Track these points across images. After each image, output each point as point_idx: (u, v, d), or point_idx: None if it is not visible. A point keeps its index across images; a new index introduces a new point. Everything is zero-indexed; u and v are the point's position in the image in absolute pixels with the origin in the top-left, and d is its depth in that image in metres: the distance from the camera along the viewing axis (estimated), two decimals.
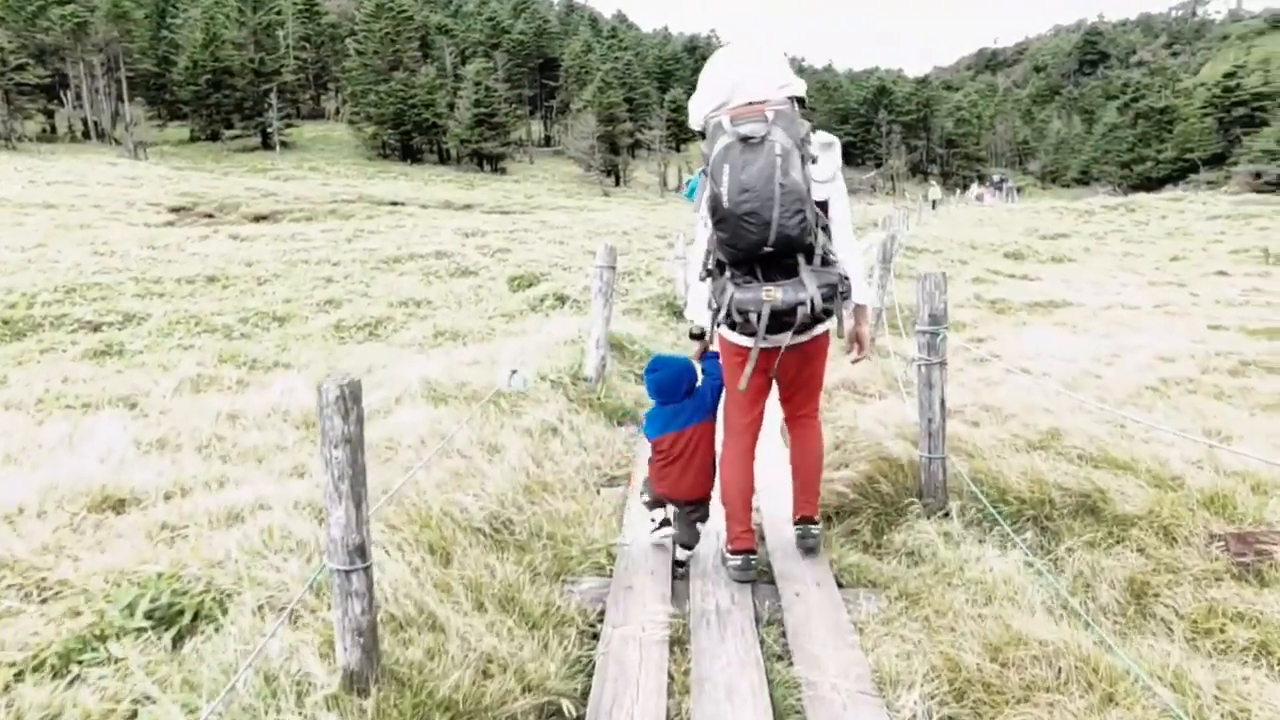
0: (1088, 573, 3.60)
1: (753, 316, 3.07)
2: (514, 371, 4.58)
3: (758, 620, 3.28)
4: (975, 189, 56.31)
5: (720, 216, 2.96)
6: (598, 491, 4.63)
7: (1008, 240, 20.49)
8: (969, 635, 2.98)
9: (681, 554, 3.78)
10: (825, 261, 3.13)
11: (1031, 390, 6.24)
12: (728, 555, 3.67)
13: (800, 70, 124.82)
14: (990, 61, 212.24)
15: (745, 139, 2.91)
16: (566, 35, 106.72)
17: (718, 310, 3.24)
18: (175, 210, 28.67)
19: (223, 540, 3.20)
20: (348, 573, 2.38)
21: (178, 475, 4.11)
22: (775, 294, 3.04)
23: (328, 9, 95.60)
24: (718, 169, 2.94)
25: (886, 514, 4.18)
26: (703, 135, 3.12)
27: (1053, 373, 7.01)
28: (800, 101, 3.12)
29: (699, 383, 3.78)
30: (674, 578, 3.64)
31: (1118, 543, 3.78)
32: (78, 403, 5.45)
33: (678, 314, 9.59)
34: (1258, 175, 44.50)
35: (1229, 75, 71.82)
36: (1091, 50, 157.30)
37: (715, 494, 3.74)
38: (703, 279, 3.35)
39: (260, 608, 2.77)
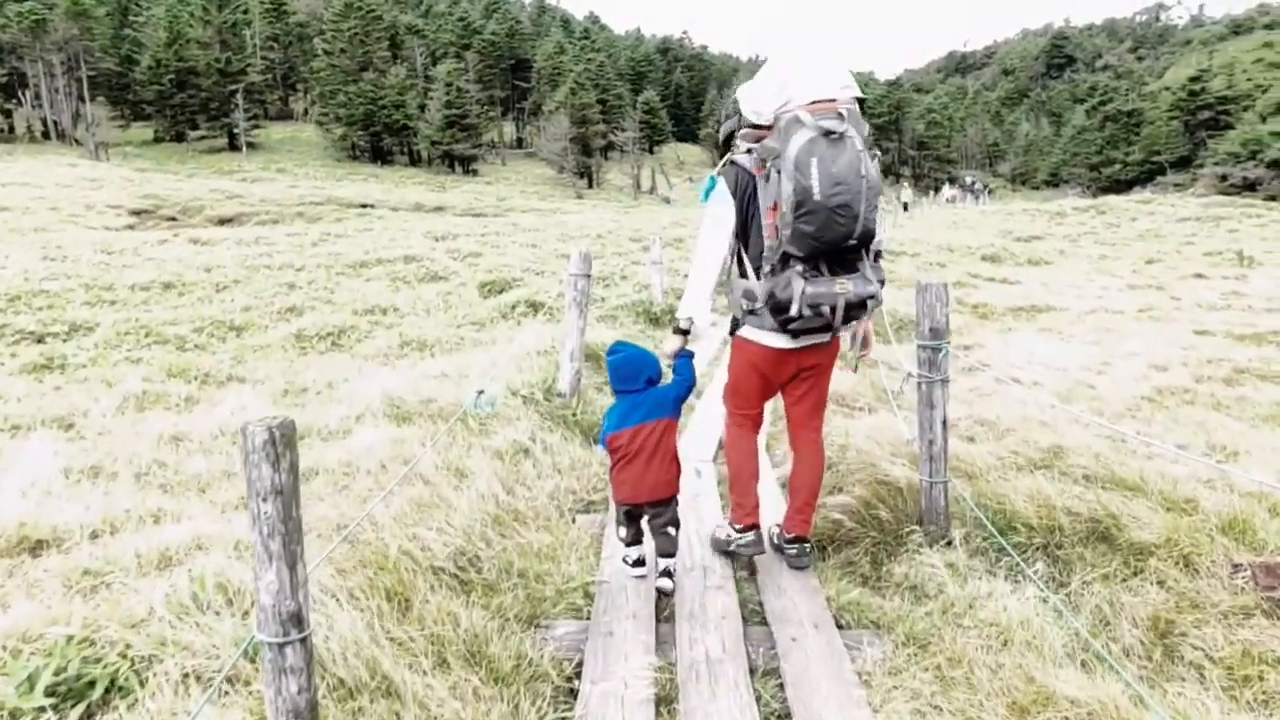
0: (1107, 610, 3.32)
1: (825, 309, 3.12)
2: (480, 391, 4.23)
3: (752, 671, 2.96)
4: (947, 191, 56.63)
5: (809, 209, 2.97)
6: (573, 519, 4.29)
7: (983, 243, 20.40)
8: (990, 693, 2.67)
9: (665, 583, 3.46)
10: (877, 256, 3.28)
11: (1026, 403, 5.99)
12: (734, 534, 3.68)
13: None
14: (960, 64, 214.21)
15: (828, 133, 2.95)
16: (538, 36, 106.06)
17: (756, 307, 3.30)
18: (136, 213, 27.86)
19: (150, 591, 2.82)
20: (281, 646, 2.03)
21: (108, 509, 3.72)
22: (849, 286, 3.11)
23: (296, 8, 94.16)
24: (803, 162, 2.95)
25: (886, 543, 3.88)
26: (757, 128, 3.27)
27: (1045, 382, 6.77)
28: (860, 102, 3.20)
29: (663, 380, 3.57)
30: (658, 619, 3.32)
31: (1135, 574, 3.51)
32: (6, 425, 5.01)
33: (654, 321, 9.27)
34: (1224, 178, 45.01)
35: (1194, 79, 72.73)
36: (1059, 54, 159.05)
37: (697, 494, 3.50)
38: (767, 274, 3.23)
39: (185, 678, 2.40)
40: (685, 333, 3.51)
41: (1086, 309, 10.59)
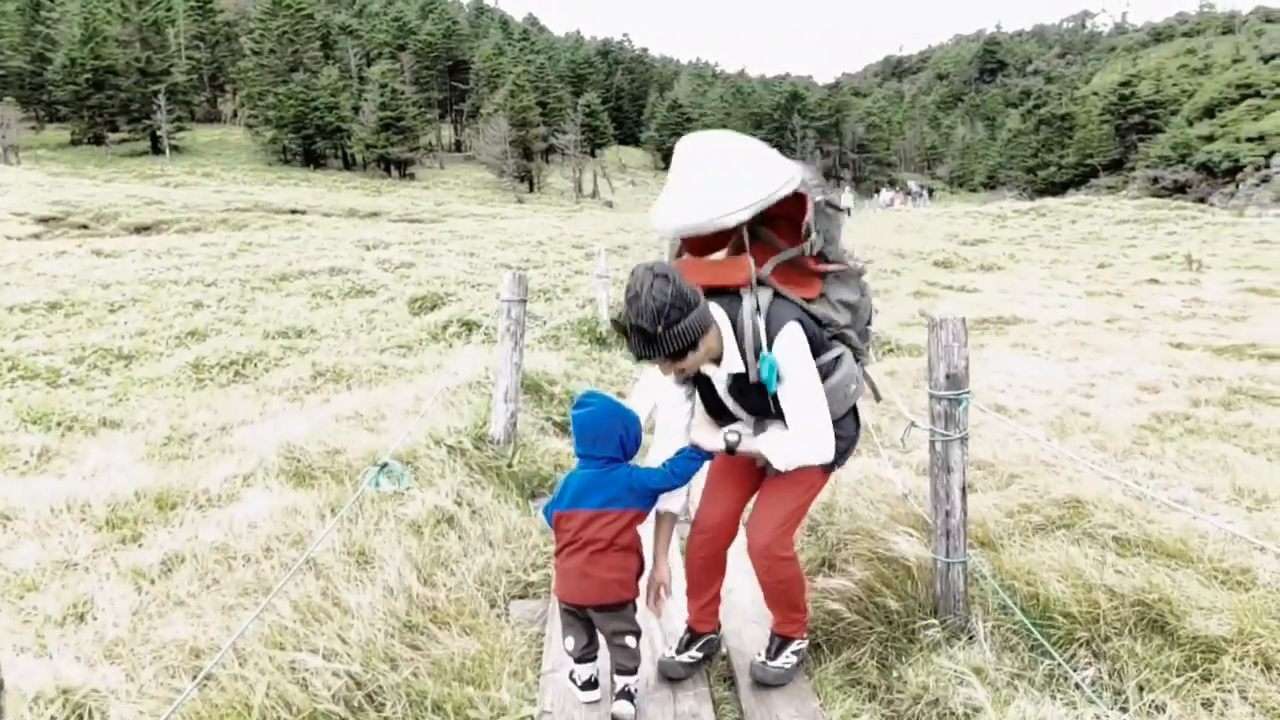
0: None
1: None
2: (383, 465, 3.39)
3: None
4: (885, 194, 57.04)
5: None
6: (506, 611, 3.48)
7: (933, 247, 20.07)
8: None
9: (623, 709, 2.68)
10: None
11: (1021, 438, 5.34)
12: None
13: (714, 76, 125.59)
14: (896, 69, 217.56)
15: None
16: (476, 37, 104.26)
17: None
18: (43, 220, 25.96)
19: None
20: None
21: None
22: None
23: (222, 6, 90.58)
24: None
25: (895, 640, 3.15)
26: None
27: (1032, 409, 6.16)
28: None
29: (642, 455, 2.81)
30: None
31: (1205, 680, 2.83)
32: None
33: (601, 342, 8.46)
34: (1155, 180, 45.95)
35: (1123, 84, 74.51)
36: (991, 59, 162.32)
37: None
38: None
39: None
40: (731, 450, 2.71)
41: (1055, 320, 10.11)
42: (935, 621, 3.12)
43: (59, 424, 5.44)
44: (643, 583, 2.80)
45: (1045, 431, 5.47)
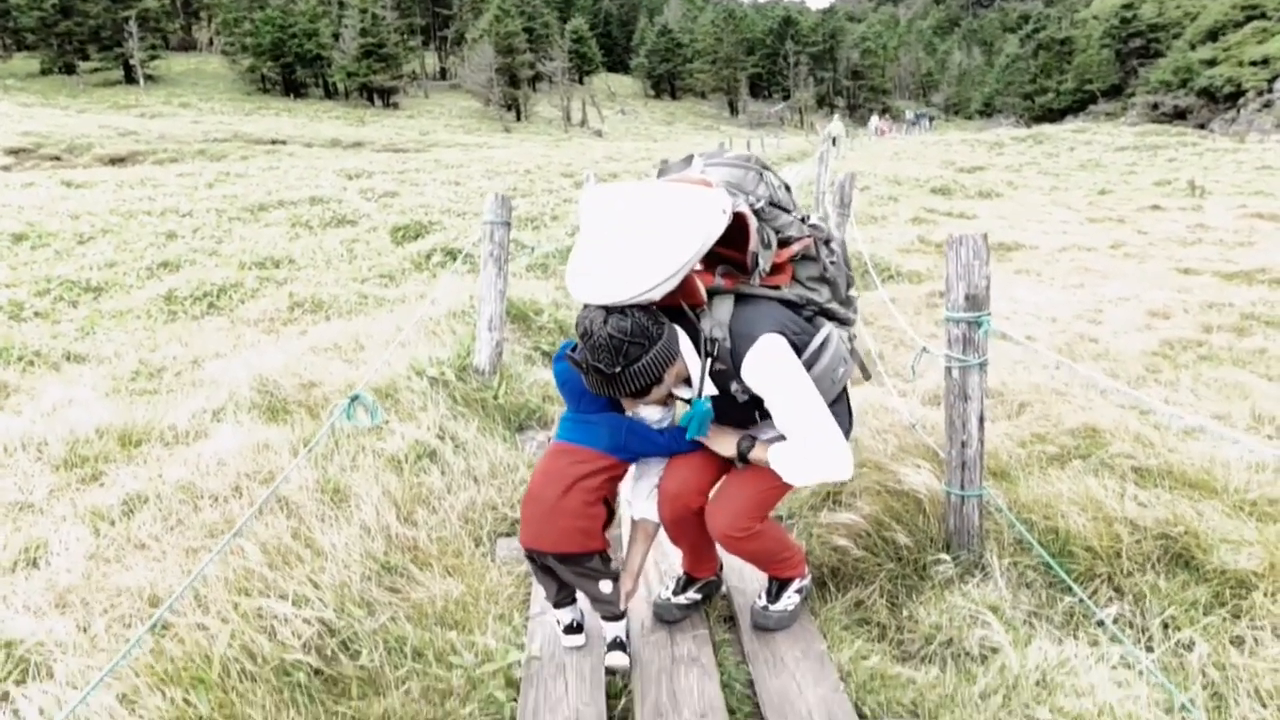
0: (1215, 676, 2.46)
1: None
2: (354, 397, 3.14)
3: None
4: (875, 122, 55.95)
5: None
6: (492, 550, 3.28)
7: (930, 174, 19.65)
8: None
9: (616, 660, 2.50)
10: None
11: (1029, 366, 5.14)
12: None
13: (705, 0, 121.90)
14: None
15: None
16: None
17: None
18: (14, 152, 25.07)
19: None
20: None
21: None
22: None
23: None
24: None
25: (905, 577, 2.97)
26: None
27: (1040, 336, 5.94)
28: None
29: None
30: (610, 719, 2.35)
31: (1235, 617, 2.66)
32: None
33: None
34: (1155, 106, 45.09)
35: (1125, 6, 72.42)
36: None
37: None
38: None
39: None
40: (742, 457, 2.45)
41: (1057, 246, 9.84)
42: (948, 557, 2.94)
43: (19, 359, 5.15)
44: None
45: (1055, 359, 5.26)
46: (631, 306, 2.15)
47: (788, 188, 2.55)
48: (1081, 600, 2.73)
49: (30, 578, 2.66)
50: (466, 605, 2.82)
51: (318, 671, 2.35)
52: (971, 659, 2.57)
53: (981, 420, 2.90)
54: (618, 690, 2.49)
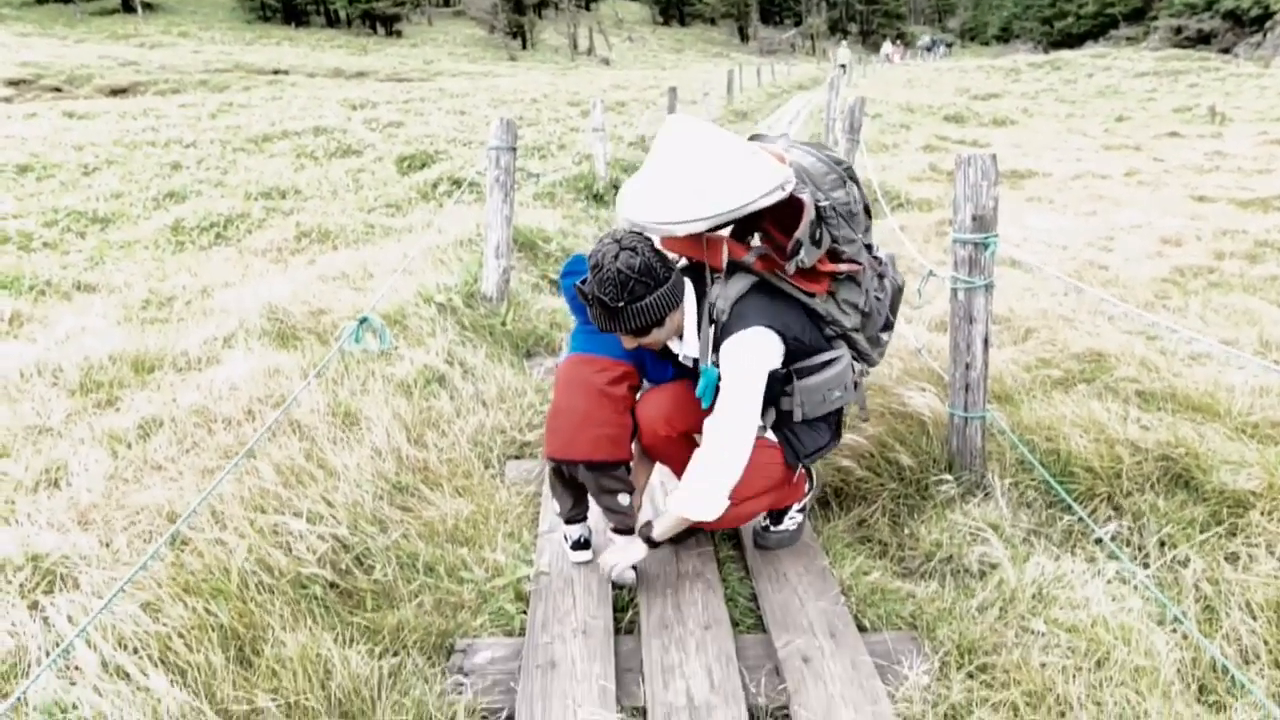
0: (1208, 590, 2.51)
1: None
2: (362, 320, 3.16)
3: (753, 718, 2.10)
4: (886, 48, 54.55)
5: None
6: (501, 471, 3.34)
7: (944, 101, 19.27)
8: None
9: (623, 573, 2.57)
10: None
11: (1037, 292, 5.12)
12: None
13: None
14: None
15: None
16: None
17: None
18: (14, 84, 24.72)
19: None
20: None
21: None
22: None
23: None
24: None
25: (907, 497, 3.02)
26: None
27: (1049, 263, 5.90)
28: None
29: None
30: (617, 631, 2.43)
31: (1230, 535, 2.71)
32: None
33: (598, 199, 8.11)
34: (1178, 30, 43.73)
35: None
36: None
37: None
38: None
39: None
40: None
41: (1071, 174, 9.69)
42: (950, 478, 2.98)
43: (31, 288, 5.19)
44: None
45: (1064, 285, 5.23)
46: (645, 247, 2.23)
47: (869, 211, 2.46)
48: (1081, 519, 2.78)
49: (52, 497, 2.73)
50: (477, 524, 2.88)
51: (333, 585, 2.43)
52: (970, 575, 2.63)
53: (986, 342, 2.91)
54: (624, 604, 2.56)
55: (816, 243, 2.22)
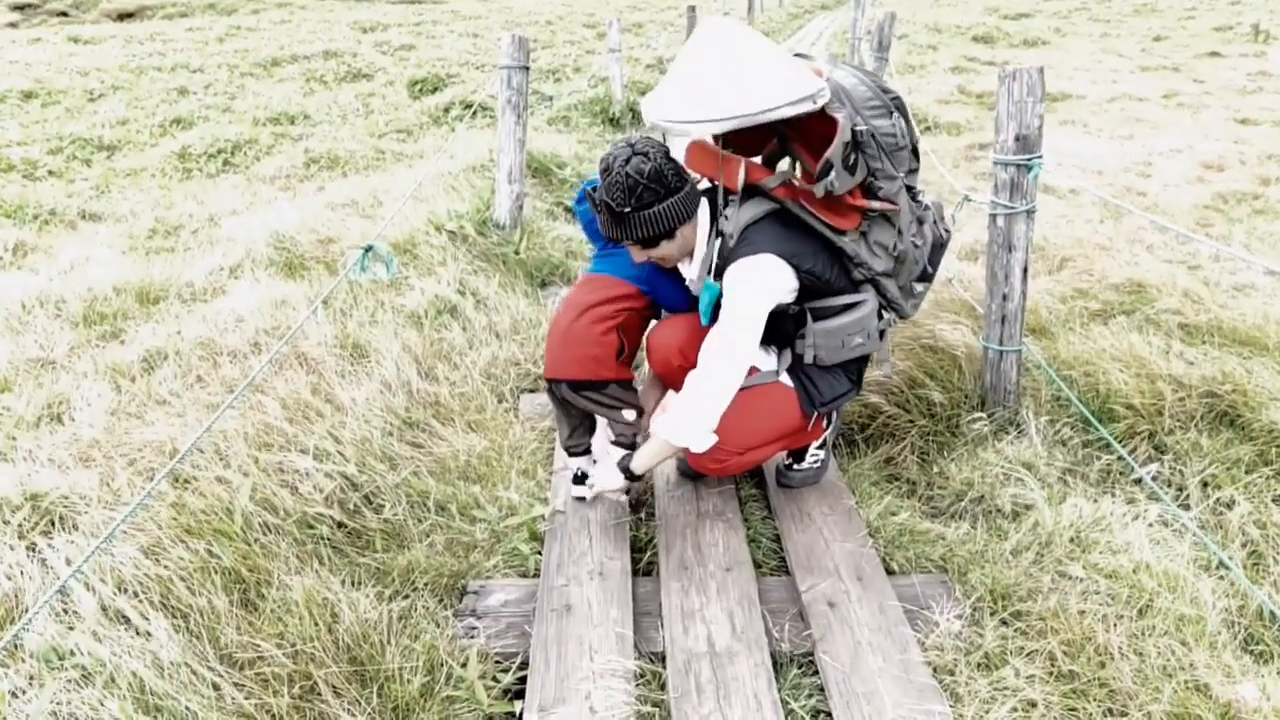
0: (1255, 534, 2.39)
1: None
2: (367, 249, 3.02)
3: (777, 665, 2.02)
4: None
5: None
6: (515, 405, 3.24)
7: (972, 21, 18.54)
8: (1148, 715, 1.76)
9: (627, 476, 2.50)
10: None
11: (1073, 220, 4.91)
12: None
13: None
14: None
15: None
16: None
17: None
18: (19, 8, 24.26)
19: None
20: None
21: None
22: None
23: None
24: None
25: (937, 434, 2.90)
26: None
27: (1084, 189, 5.65)
28: None
29: None
30: (634, 572, 2.35)
31: (1278, 475, 2.58)
32: None
33: (614, 122, 7.85)
34: None
35: None
36: None
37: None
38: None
39: None
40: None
41: (1106, 96, 9.29)
42: (983, 415, 2.86)
43: (35, 218, 5.07)
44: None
45: (1100, 213, 5.01)
46: (659, 153, 2.09)
47: (916, 153, 2.25)
48: (1120, 458, 2.65)
49: (54, 432, 2.66)
50: (490, 460, 2.80)
51: (340, 525, 2.35)
52: (1003, 516, 2.52)
53: (1025, 272, 2.75)
54: (643, 544, 2.48)
55: (850, 169, 2.03)
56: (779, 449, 2.46)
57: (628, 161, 2.05)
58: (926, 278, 2.43)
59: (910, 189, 2.27)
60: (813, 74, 2.00)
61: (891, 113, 2.10)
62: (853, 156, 2.03)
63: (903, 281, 2.34)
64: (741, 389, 2.21)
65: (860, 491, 2.66)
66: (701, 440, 2.17)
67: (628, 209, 2.08)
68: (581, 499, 2.56)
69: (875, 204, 2.15)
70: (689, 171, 2.18)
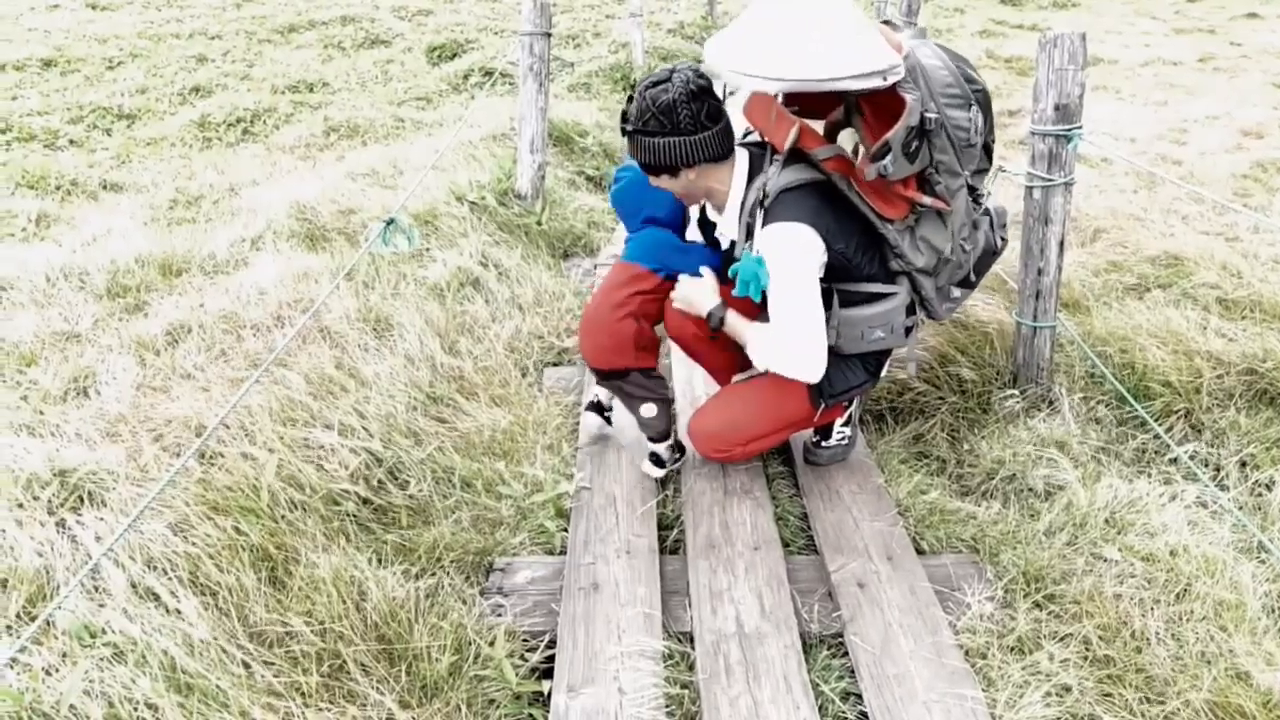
0: None
1: None
2: (389, 222, 2.98)
3: (806, 646, 2.00)
4: None
5: None
6: (539, 379, 3.22)
7: None
8: (1186, 702, 1.73)
9: (648, 468, 2.49)
10: None
11: (1105, 189, 4.79)
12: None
13: None
14: None
15: None
16: None
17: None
18: None
19: None
20: None
21: None
22: None
23: None
24: None
25: (967, 411, 2.85)
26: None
27: (1117, 158, 5.52)
28: None
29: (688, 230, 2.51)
30: (662, 550, 2.34)
31: None
32: None
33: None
34: None
35: None
36: None
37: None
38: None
39: None
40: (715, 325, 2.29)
41: (1139, 60, 9.05)
42: (1015, 391, 2.80)
43: (57, 188, 5.07)
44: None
45: (1134, 182, 4.90)
46: (683, 89, 1.98)
47: (990, 153, 2.17)
48: (1156, 436, 2.60)
49: (81, 407, 2.66)
50: (515, 436, 2.78)
51: (366, 501, 2.34)
52: (1035, 495, 2.48)
53: (1062, 246, 2.69)
54: (669, 521, 2.46)
55: (910, 156, 1.93)
56: (785, 438, 2.46)
57: (652, 85, 2.02)
58: (968, 284, 2.36)
59: (973, 190, 2.18)
60: (891, 48, 1.91)
61: (971, 105, 1.99)
62: (916, 144, 1.93)
63: (941, 282, 2.27)
64: (749, 376, 2.19)
65: (889, 469, 2.62)
66: (818, 371, 2.14)
67: (632, 128, 2.06)
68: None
69: (926, 199, 2.07)
70: (730, 121, 2.11)
